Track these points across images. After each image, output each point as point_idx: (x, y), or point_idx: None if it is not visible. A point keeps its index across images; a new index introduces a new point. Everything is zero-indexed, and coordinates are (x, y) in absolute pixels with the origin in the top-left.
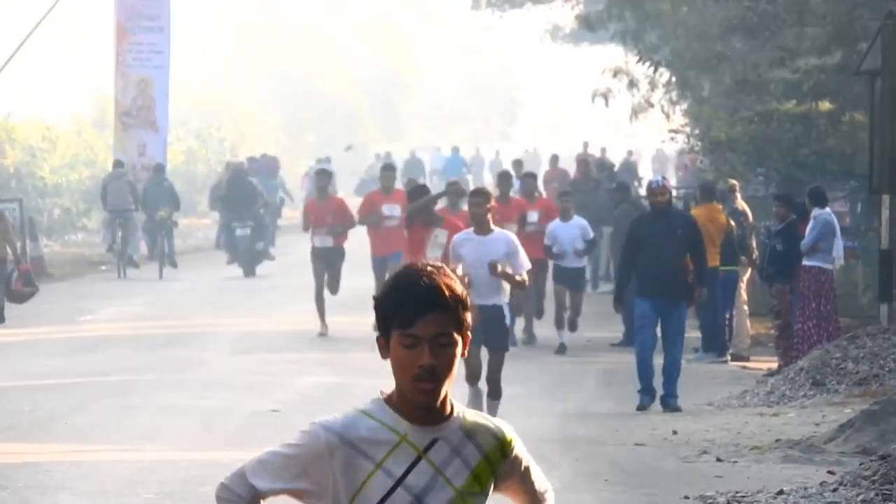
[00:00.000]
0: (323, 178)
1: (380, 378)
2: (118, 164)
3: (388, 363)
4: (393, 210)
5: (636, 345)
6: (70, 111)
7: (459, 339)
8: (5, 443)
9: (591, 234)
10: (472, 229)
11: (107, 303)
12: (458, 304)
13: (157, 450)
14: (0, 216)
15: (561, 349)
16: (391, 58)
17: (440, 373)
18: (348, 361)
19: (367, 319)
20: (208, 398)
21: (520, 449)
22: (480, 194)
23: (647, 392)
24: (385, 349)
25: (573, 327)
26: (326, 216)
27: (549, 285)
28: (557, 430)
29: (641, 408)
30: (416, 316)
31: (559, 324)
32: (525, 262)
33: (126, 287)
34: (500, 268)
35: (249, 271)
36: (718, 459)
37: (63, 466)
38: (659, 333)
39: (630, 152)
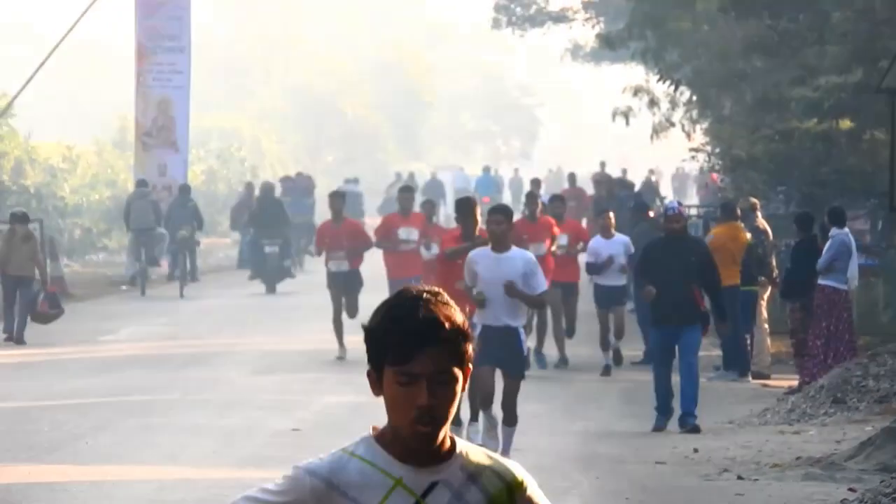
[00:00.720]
0: (337, 200)
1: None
2: (142, 183)
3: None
4: (410, 234)
5: (653, 371)
6: (90, 131)
7: (460, 374)
8: (26, 463)
9: (633, 250)
10: (489, 247)
11: (127, 322)
12: (459, 335)
13: (179, 469)
14: (29, 236)
15: (606, 371)
16: (411, 77)
17: (439, 414)
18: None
19: None
20: (229, 417)
21: (532, 491)
22: (500, 211)
23: (663, 413)
24: (377, 385)
25: (619, 335)
26: (342, 239)
27: (591, 307)
28: (578, 448)
29: (658, 429)
30: (413, 351)
31: (604, 346)
32: (542, 283)
33: (147, 307)
34: (516, 288)
35: (271, 288)
36: (739, 477)
37: (84, 486)
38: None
39: (651, 171)
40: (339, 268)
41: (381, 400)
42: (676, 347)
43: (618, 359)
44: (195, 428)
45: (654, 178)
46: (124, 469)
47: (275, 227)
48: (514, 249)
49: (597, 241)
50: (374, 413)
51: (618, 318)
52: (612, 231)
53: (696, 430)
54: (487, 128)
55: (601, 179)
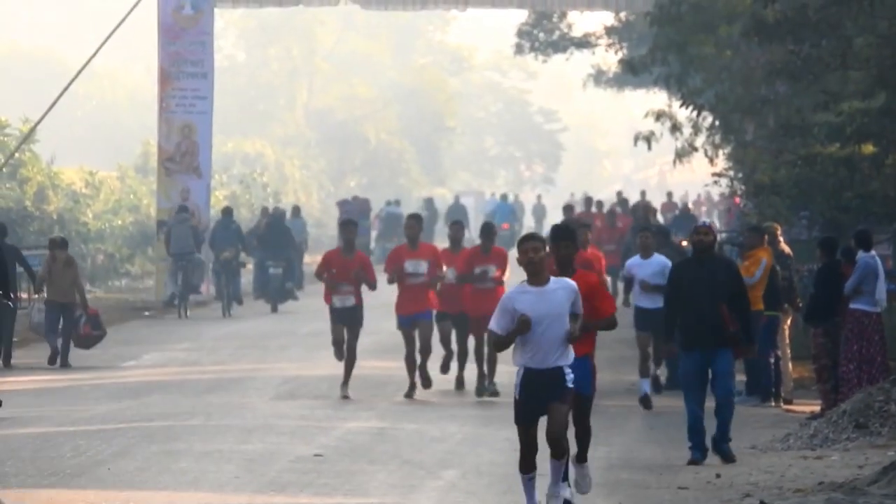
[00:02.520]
0: (350, 229)
1: (423, 423)
2: (182, 209)
3: (426, 410)
4: (418, 266)
5: (686, 403)
6: (113, 157)
7: None
8: (49, 489)
9: None
10: (525, 281)
11: (150, 348)
12: None
13: (200, 495)
14: (70, 262)
15: (645, 401)
16: (434, 103)
17: None
18: (392, 406)
19: (401, 363)
20: (251, 443)
21: None
22: (537, 238)
23: (698, 449)
24: None
25: (658, 363)
26: (350, 273)
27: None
28: (601, 473)
29: (693, 463)
30: None
31: (644, 372)
32: (611, 303)
33: (170, 332)
34: (576, 330)
35: (275, 307)
36: (762, 502)
37: None
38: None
39: (669, 194)
40: (345, 303)
41: (402, 426)
42: (709, 372)
43: (657, 386)
44: (217, 453)
45: (687, 203)
46: (146, 495)
47: (280, 250)
48: (554, 280)
49: (634, 261)
50: (396, 438)
51: (658, 341)
52: (651, 251)
53: (730, 458)
54: (511, 153)
55: (638, 206)
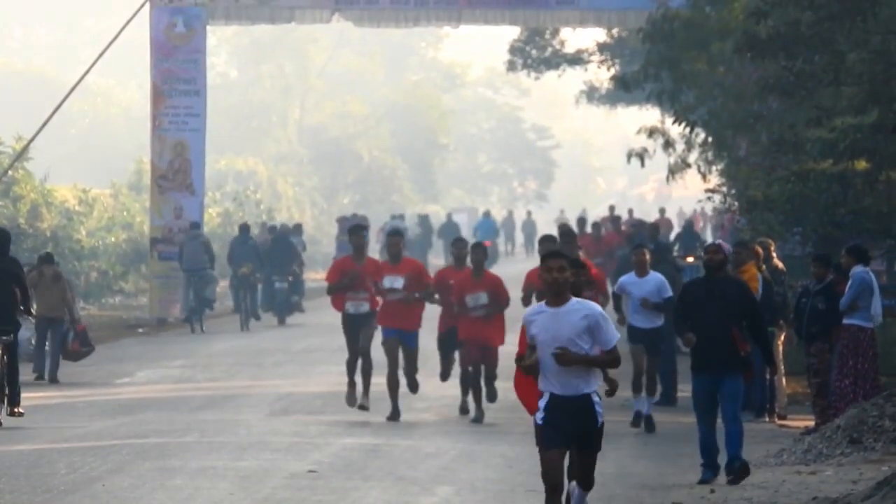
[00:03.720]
0: (360, 235)
1: (417, 440)
2: (195, 225)
3: (421, 426)
4: (394, 282)
5: (698, 424)
6: (106, 175)
7: None
8: None
9: (670, 293)
10: (543, 301)
11: (144, 365)
12: None
13: None
14: (58, 277)
15: (637, 418)
16: (427, 120)
17: None
18: (386, 422)
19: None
20: (245, 460)
21: None
22: (561, 257)
23: (710, 468)
24: None
25: (652, 391)
26: (365, 280)
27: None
28: (595, 489)
29: (704, 482)
30: None
31: (636, 388)
32: (612, 334)
33: (163, 349)
34: (570, 355)
35: (282, 320)
36: None
37: None
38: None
39: (662, 210)
40: (359, 310)
41: (396, 442)
42: (718, 394)
43: (650, 426)
44: (211, 470)
45: (691, 218)
46: None
47: (285, 266)
48: (574, 301)
49: (629, 279)
50: (391, 454)
51: (652, 364)
52: (647, 269)
53: (745, 472)
54: (504, 170)
55: (635, 223)
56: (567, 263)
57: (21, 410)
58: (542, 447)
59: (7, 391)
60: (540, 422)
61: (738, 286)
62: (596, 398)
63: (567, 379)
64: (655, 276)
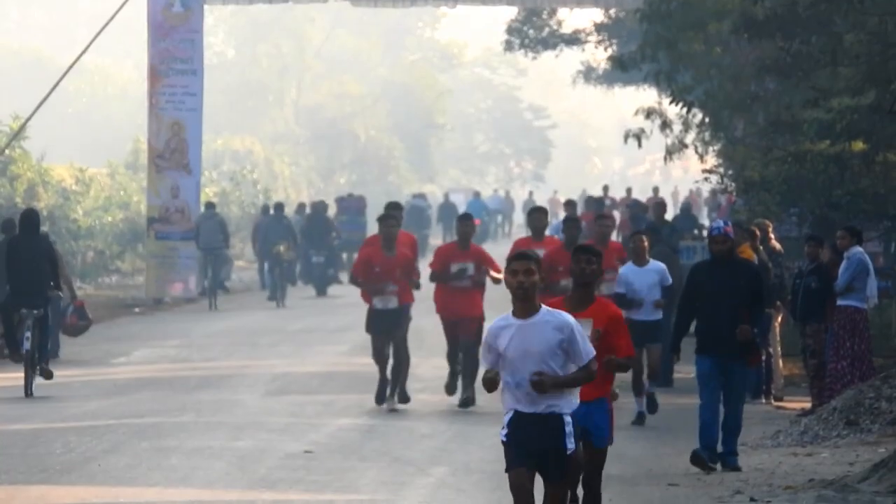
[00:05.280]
0: (390, 223)
1: (413, 421)
2: (210, 205)
3: (416, 407)
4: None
5: (700, 406)
6: (103, 155)
7: None
8: (38, 485)
9: (670, 281)
10: (510, 312)
11: (140, 345)
12: None
13: (191, 492)
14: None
15: (640, 419)
16: (423, 100)
17: None
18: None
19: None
20: (242, 440)
21: None
22: (527, 258)
23: (707, 448)
24: None
25: (653, 376)
26: (395, 272)
27: None
28: None
29: (695, 456)
30: None
31: (637, 390)
32: (587, 348)
33: (159, 329)
34: (548, 380)
35: (322, 292)
36: (752, 499)
37: None
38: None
39: (656, 189)
40: (387, 305)
41: (392, 423)
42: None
43: (652, 406)
44: (207, 450)
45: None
46: (136, 491)
47: (321, 241)
48: (545, 311)
49: (628, 269)
50: (386, 435)
51: (653, 356)
52: (647, 257)
53: (736, 469)
54: (500, 150)
55: (631, 203)
56: (536, 267)
57: (50, 369)
58: (508, 466)
59: (37, 358)
60: (504, 439)
61: (746, 268)
62: (568, 419)
63: (533, 398)
64: (656, 266)
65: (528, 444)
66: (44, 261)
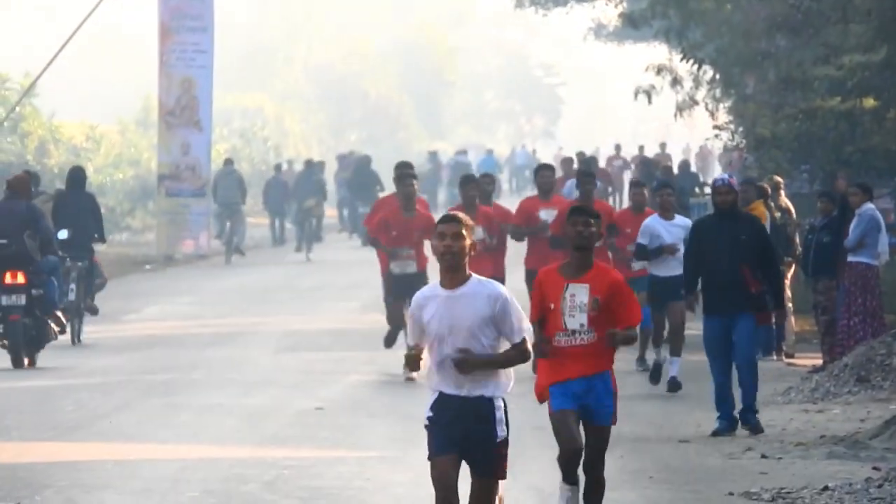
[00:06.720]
0: (408, 183)
1: (423, 377)
2: (228, 161)
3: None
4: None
5: (711, 371)
6: (113, 112)
7: None
8: (49, 442)
9: None
10: (437, 282)
11: (151, 301)
12: None
13: (202, 448)
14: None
15: (657, 372)
16: (434, 57)
17: None
18: (393, 360)
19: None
20: (253, 397)
21: None
22: (455, 221)
23: (726, 418)
24: None
25: (677, 350)
26: (412, 234)
27: None
28: None
29: (718, 433)
30: None
31: (657, 341)
32: (522, 323)
33: (170, 286)
34: (472, 360)
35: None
36: (763, 456)
37: (107, 465)
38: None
39: (663, 145)
40: (405, 269)
41: (401, 380)
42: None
43: (675, 385)
44: (218, 407)
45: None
46: (147, 448)
47: (366, 191)
48: (476, 280)
49: (654, 221)
50: (397, 392)
51: (675, 315)
52: (673, 212)
53: (758, 429)
54: (511, 107)
55: (644, 160)
56: (461, 229)
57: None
58: (429, 454)
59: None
60: (427, 424)
61: (750, 222)
62: (500, 404)
63: (458, 378)
64: (683, 221)
65: (453, 430)
66: (89, 215)
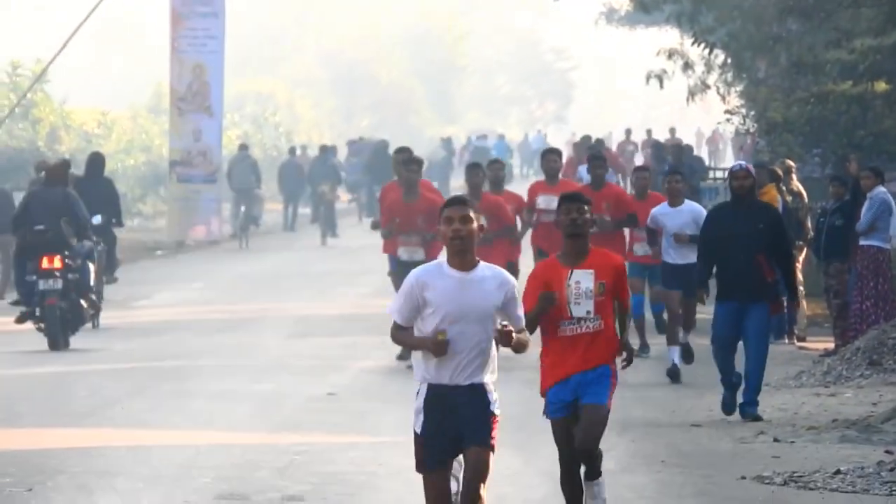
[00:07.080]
0: (413, 168)
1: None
2: (243, 147)
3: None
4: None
5: (718, 359)
6: (125, 98)
7: None
8: (62, 428)
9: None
10: (444, 260)
11: (162, 287)
12: None
13: (213, 434)
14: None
15: (674, 373)
16: (445, 42)
17: None
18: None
19: None
20: (264, 382)
21: None
22: (463, 204)
23: (730, 406)
24: None
25: (687, 329)
26: (415, 219)
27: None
28: (613, 412)
29: (724, 404)
30: None
31: (672, 339)
32: (522, 316)
33: (182, 272)
34: (514, 335)
35: None
36: (775, 440)
37: (119, 451)
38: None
39: (672, 130)
40: (413, 256)
41: (413, 365)
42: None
43: (688, 355)
44: (230, 393)
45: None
46: (159, 434)
47: (386, 176)
48: (483, 266)
49: (662, 209)
50: (409, 377)
51: (688, 304)
52: (681, 198)
53: (757, 419)
54: (522, 92)
55: (654, 143)
56: (470, 214)
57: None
58: (421, 466)
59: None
60: (419, 430)
61: (765, 210)
62: (491, 387)
63: (457, 368)
64: (691, 206)
65: (446, 431)
66: (108, 201)
